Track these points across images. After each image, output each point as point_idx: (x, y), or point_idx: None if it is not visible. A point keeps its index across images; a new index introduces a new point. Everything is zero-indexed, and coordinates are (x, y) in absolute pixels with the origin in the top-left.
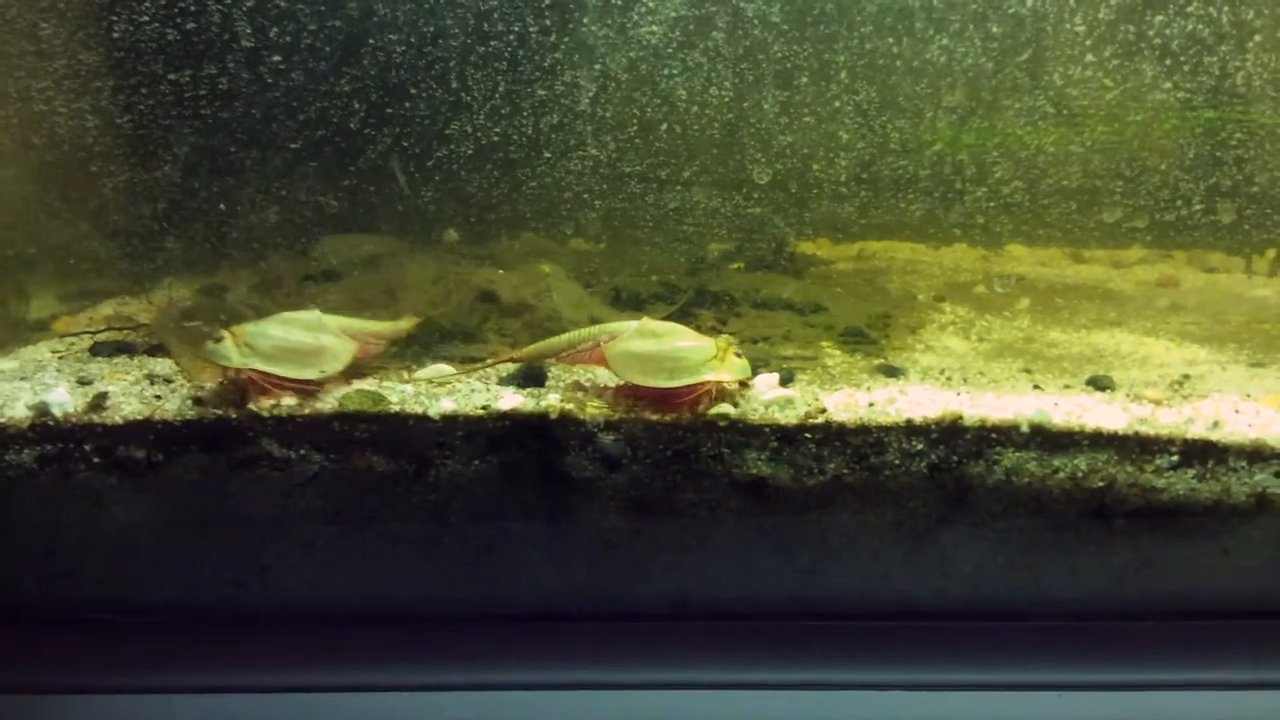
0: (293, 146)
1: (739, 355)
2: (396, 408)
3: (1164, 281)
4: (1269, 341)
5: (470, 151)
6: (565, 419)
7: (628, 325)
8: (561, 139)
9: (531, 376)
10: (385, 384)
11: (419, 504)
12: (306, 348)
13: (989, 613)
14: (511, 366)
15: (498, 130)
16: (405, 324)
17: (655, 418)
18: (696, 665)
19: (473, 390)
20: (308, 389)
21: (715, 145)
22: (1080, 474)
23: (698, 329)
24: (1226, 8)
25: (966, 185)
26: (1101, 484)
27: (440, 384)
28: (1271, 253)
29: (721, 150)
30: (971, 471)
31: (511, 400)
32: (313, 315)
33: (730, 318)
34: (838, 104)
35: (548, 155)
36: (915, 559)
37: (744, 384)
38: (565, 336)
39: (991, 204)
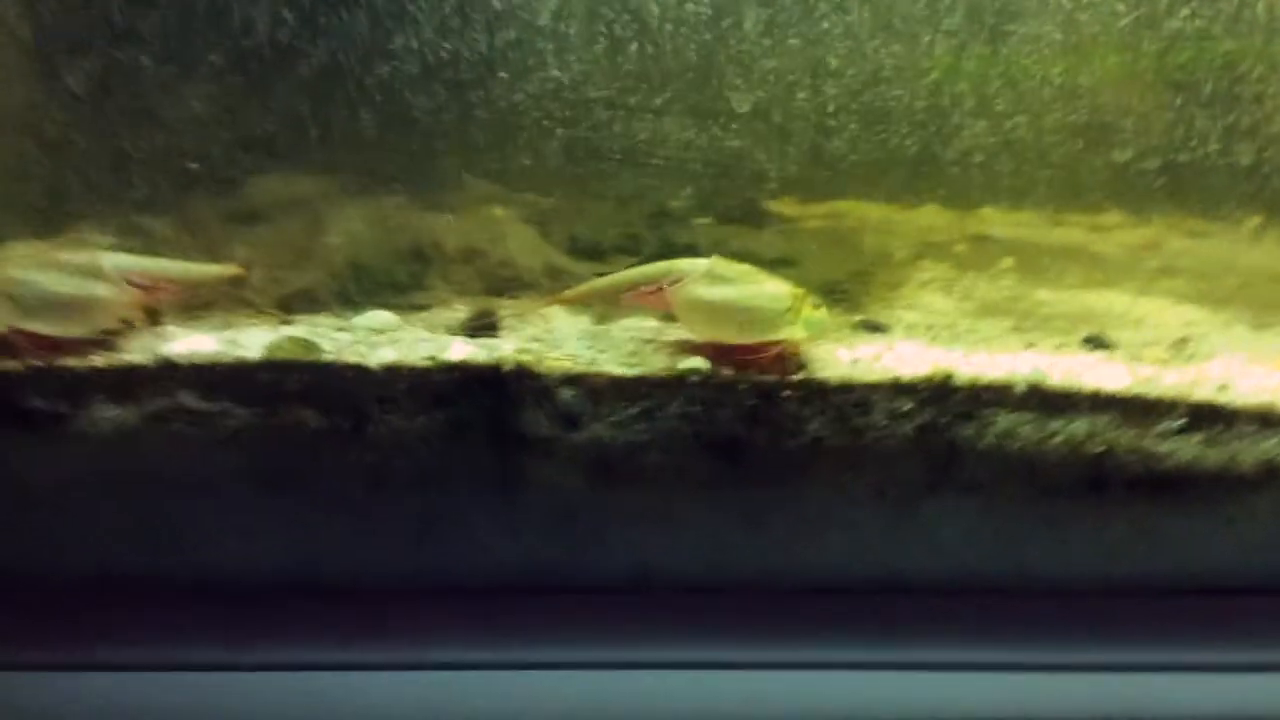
0: (211, 60)
1: (817, 307)
2: (331, 357)
3: (1148, 244)
4: (1270, 304)
5: (415, 72)
6: (521, 371)
7: (697, 264)
8: (519, 59)
9: (483, 325)
10: (319, 332)
11: (356, 464)
12: (71, 299)
13: (976, 588)
14: (460, 314)
15: (447, 48)
16: (224, 270)
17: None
18: (659, 642)
19: (418, 339)
20: (83, 347)
21: (690, 73)
22: (1079, 439)
23: None
24: None
25: (961, 123)
26: (1101, 449)
27: (382, 331)
28: (1256, 219)
29: (696, 82)
30: (962, 434)
31: (461, 350)
32: (87, 258)
33: None
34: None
35: (504, 77)
36: (899, 529)
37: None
38: (624, 275)
39: (976, 157)
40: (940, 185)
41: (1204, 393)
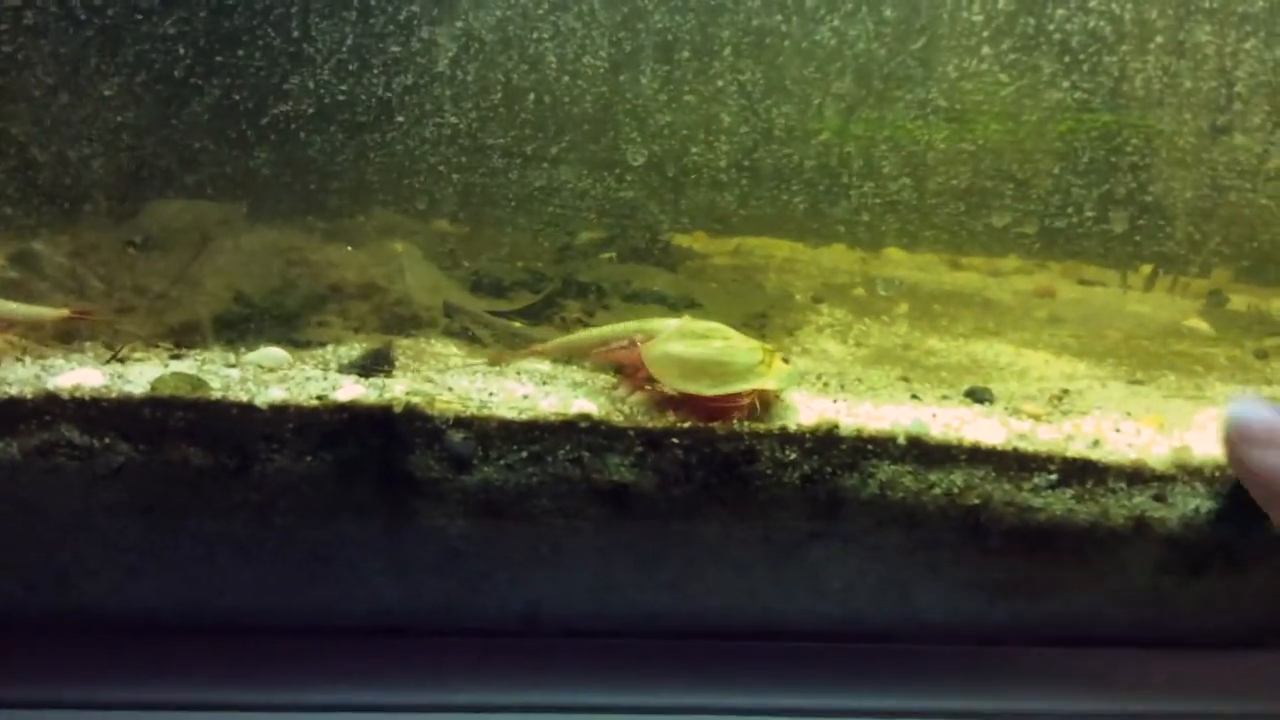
0: (107, 94)
1: (786, 360)
2: (219, 394)
3: (1041, 292)
4: (1148, 358)
5: (311, 111)
6: (410, 413)
7: (667, 323)
8: (419, 102)
9: (376, 363)
10: (207, 368)
11: (241, 503)
12: None
13: (858, 634)
14: (354, 351)
15: (345, 88)
16: (48, 312)
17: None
18: (545, 686)
19: (308, 378)
20: None
21: (588, 121)
22: (956, 490)
23: (562, 320)
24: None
25: (851, 181)
26: (977, 501)
27: (273, 369)
28: (1147, 268)
29: (594, 128)
30: (846, 484)
31: (351, 390)
32: None
33: (598, 310)
34: (720, 85)
35: (402, 120)
36: (784, 575)
37: (777, 394)
38: (597, 331)
39: (874, 203)
40: (844, 226)
41: (1077, 448)
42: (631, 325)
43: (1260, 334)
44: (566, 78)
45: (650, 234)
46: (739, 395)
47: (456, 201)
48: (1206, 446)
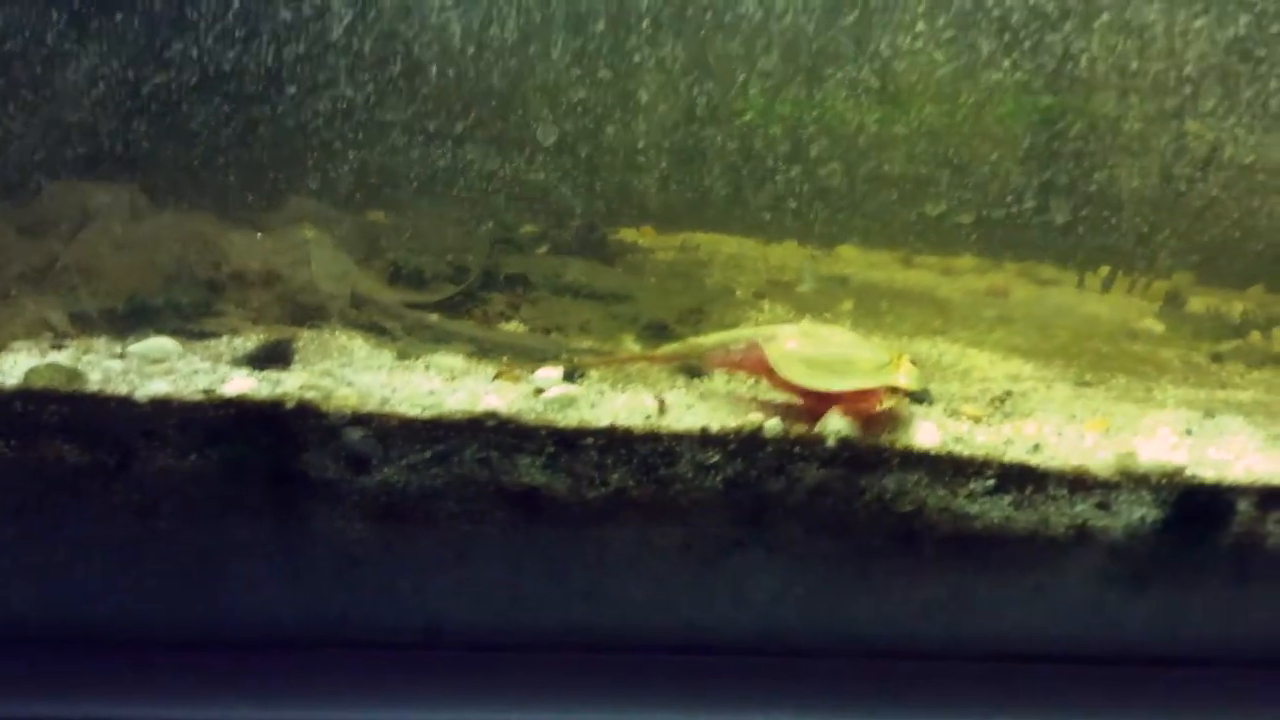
0: None
1: (914, 363)
2: (96, 387)
3: (994, 291)
4: (1098, 360)
5: (229, 90)
6: (304, 409)
7: (787, 327)
8: (343, 82)
9: (272, 356)
10: (88, 359)
11: (121, 504)
12: None
13: (785, 648)
14: (251, 343)
15: (263, 66)
16: None
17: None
18: (448, 703)
19: (196, 371)
20: None
21: (528, 111)
22: (888, 496)
23: (484, 314)
24: None
25: (800, 177)
26: (910, 508)
27: (159, 360)
28: (1105, 269)
29: (536, 118)
30: (770, 489)
31: (242, 384)
32: None
33: (524, 303)
34: (672, 78)
35: (327, 103)
36: (705, 585)
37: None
38: (714, 336)
39: (825, 200)
40: (798, 221)
41: (1016, 453)
42: (748, 331)
43: (1217, 336)
44: (514, 62)
45: (589, 227)
46: (872, 393)
47: (386, 189)
48: (1154, 451)
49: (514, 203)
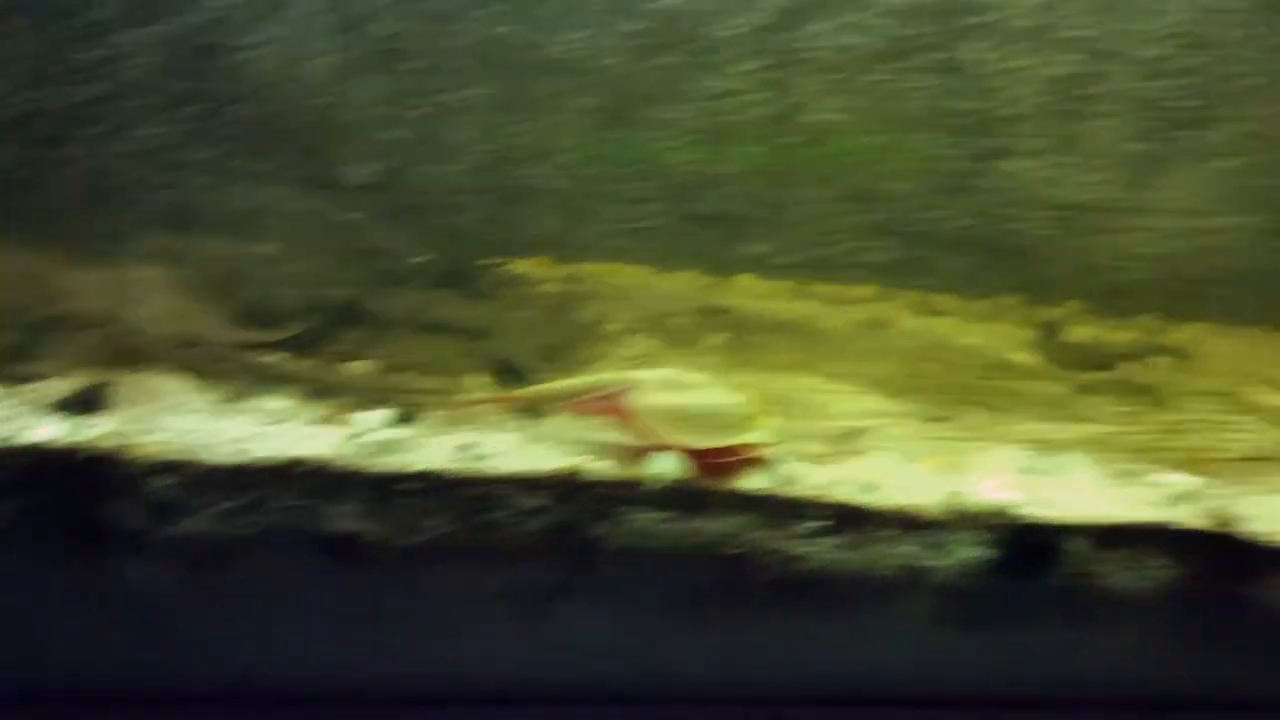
0: None
1: (777, 415)
2: None
3: (877, 323)
4: (961, 393)
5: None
6: (109, 457)
7: (652, 375)
8: (191, 114)
9: (87, 401)
10: None
11: None
12: None
13: (610, 695)
14: (69, 387)
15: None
16: None
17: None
18: None
19: (4, 418)
20: None
21: (403, 141)
22: (718, 539)
23: (332, 353)
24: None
25: (692, 207)
26: (739, 550)
27: None
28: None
29: (414, 148)
30: (596, 533)
31: (46, 431)
32: None
33: (380, 341)
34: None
35: (182, 137)
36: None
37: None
38: (574, 382)
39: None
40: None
41: (847, 493)
42: (611, 378)
43: (1091, 367)
44: (401, 96)
45: (460, 259)
46: (735, 449)
47: (248, 223)
48: (987, 490)
49: (393, 237)
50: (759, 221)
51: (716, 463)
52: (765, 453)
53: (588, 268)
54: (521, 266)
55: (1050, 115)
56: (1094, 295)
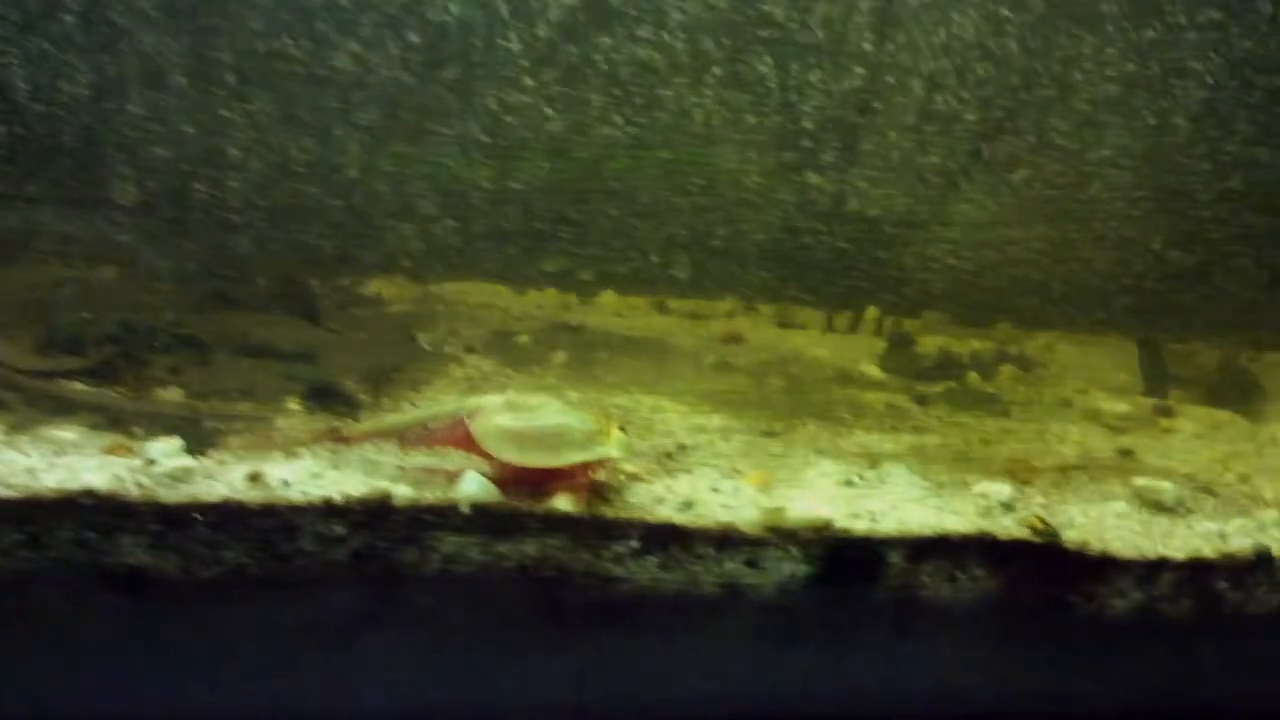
0: None
1: (623, 430)
2: None
3: (729, 337)
4: (799, 407)
5: None
6: None
7: (492, 399)
8: None
9: None
10: None
11: None
12: None
13: None
14: None
15: None
16: None
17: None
18: None
19: None
20: None
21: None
22: (529, 562)
23: (137, 380)
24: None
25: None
26: (554, 574)
27: None
28: (874, 312)
29: (253, 163)
30: (402, 560)
31: None
32: None
33: (190, 365)
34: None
35: None
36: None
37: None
38: (413, 413)
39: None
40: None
41: (665, 512)
42: (452, 406)
43: (936, 378)
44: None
45: (289, 280)
46: (581, 467)
47: (59, 244)
48: (808, 505)
49: (224, 257)
50: (555, 238)
51: (572, 480)
52: (610, 470)
53: (450, 286)
54: (379, 286)
55: (845, 129)
56: (898, 307)
